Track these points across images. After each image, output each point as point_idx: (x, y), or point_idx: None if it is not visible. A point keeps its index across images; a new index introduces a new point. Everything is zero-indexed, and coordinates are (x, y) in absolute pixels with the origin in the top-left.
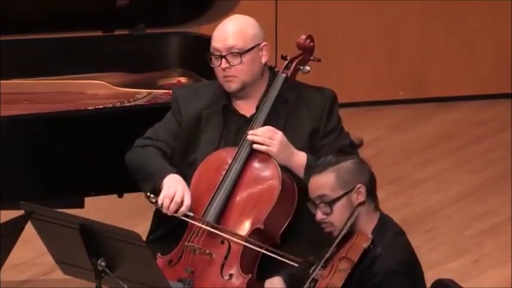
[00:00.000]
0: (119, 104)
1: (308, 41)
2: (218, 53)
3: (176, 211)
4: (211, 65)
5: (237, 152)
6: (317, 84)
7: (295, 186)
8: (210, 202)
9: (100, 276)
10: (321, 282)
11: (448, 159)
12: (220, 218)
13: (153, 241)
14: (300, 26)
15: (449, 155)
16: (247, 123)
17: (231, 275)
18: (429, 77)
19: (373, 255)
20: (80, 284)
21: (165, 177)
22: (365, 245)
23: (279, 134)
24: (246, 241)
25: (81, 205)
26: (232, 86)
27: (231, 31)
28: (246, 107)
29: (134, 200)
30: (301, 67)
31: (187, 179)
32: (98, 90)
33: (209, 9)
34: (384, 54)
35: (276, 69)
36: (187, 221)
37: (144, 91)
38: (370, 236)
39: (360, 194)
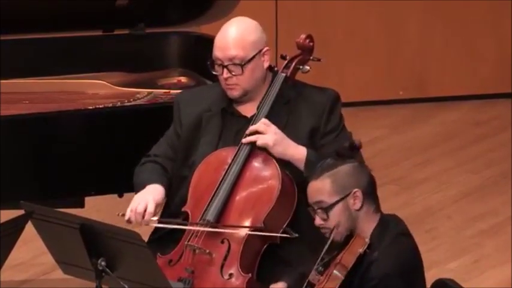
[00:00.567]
0: (119, 103)
1: (308, 40)
2: (220, 62)
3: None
4: (213, 72)
5: (237, 152)
6: (317, 83)
7: (294, 185)
8: (209, 202)
9: (100, 276)
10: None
11: (448, 159)
12: (220, 217)
13: (153, 241)
14: (300, 25)
15: (449, 155)
16: (248, 123)
17: (231, 275)
18: (429, 77)
19: (369, 259)
20: (80, 284)
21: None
22: (360, 250)
23: (272, 127)
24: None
25: (81, 205)
26: (234, 94)
27: (232, 40)
28: (247, 108)
29: None
30: (301, 66)
31: (187, 181)
32: (98, 89)
33: (209, 9)
34: (384, 53)
35: (276, 68)
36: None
37: (144, 91)
38: (366, 240)
39: (356, 199)
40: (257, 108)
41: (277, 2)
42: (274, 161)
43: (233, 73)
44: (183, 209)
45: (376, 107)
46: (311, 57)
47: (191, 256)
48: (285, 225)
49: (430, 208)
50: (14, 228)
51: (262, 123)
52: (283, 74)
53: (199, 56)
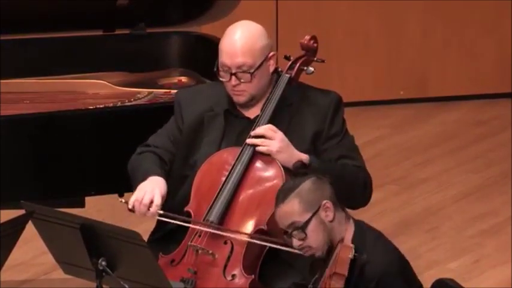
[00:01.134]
0: (119, 103)
1: (312, 41)
2: (227, 69)
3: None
4: (220, 78)
5: (240, 153)
6: (317, 83)
7: None
8: (213, 203)
9: (101, 276)
10: None
11: (448, 159)
12: (223, 218)
13: (155, 241)
14: (301, 25)
15: (450, 154)
16: (251, 124)
17: (233, 276)
18: (430, 77)
19: (360, 263)
20: (81, 284)
21: (145, 180)
22: (350, 256)
23: (279, 133)
24: (250, 237)
25: (81, 204)
26: (241, 100)
27: (241, 47)
28: (250, 110)
29: None
30: (305, 68)
31: (189, 180)
32: (98, 89)
33: (210, 9)
34: (384, 54)
35: (280, 69)
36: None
37: (145, 90)
38: (351, 245)
39: (328, 210)
40: (261, 110)
41: (278, 2)
42: (278, 162)
43: (242, 80)
44: (185, 209)
45: (377, 107)
46: (315, 59)
47: (194, 256)
48: None
49: (431, 208)
50: (15, 228)
51: (269, 129)
52: (287, 75)
53: (199, 56)
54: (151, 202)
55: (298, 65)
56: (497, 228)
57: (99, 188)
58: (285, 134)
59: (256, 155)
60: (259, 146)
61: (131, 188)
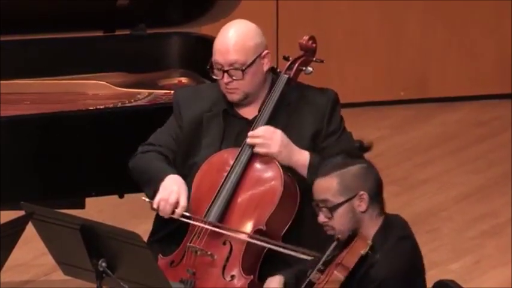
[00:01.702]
0: (119, 104)
1: (310, 42)
2: (219, 66)
3: (173, 212)
4: (213, 76)
5: (239, 153)
6: (318, 84)
7: (297, 187)
8: (212, 203)
9: (101, 277)
10: (316, 287)
11: (449, 159)
12: (222, 218)
13: (154, 242)
14: (301, 26)
15: (451, 155)
16: (249, 125)
17: (232, 276)
18: (430, 77)
19: (370, 262)
20: (81, 285)
21: (164, 179)
22: (362, 252)
23: (278, 133)
24: (250, 237)
25: (82, 206)
26: (234, 98)
27: (233, 44)
28: (248, 111)
29: (135, 200)
30: (304, 68)
31: (188, 181)
32: (98, 90)
33: (210, 10)
34: (385, 54)
35: (278, 70)
36: (187, 222)
37: (145, 91)
38: (369, 242)
39: (362, 201)
40: (259, 111)
41: (278, 2)
42: (277, 162)
43: (234, 78)
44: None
45: (377, 107)
46: (314, 59)
47: (193, 257)
48: (287, 227)
49: (431, 209)
50: (15, 229)
51: (267, 130)
52: (286, 76)
53: (200, 57)
54: (177, 203)
55: (297, 65)
56: (498, 229)
57: (99, 189)
58: (283, 133)
59: (255, 155)
60: (257, 147)
61: (132, 189)
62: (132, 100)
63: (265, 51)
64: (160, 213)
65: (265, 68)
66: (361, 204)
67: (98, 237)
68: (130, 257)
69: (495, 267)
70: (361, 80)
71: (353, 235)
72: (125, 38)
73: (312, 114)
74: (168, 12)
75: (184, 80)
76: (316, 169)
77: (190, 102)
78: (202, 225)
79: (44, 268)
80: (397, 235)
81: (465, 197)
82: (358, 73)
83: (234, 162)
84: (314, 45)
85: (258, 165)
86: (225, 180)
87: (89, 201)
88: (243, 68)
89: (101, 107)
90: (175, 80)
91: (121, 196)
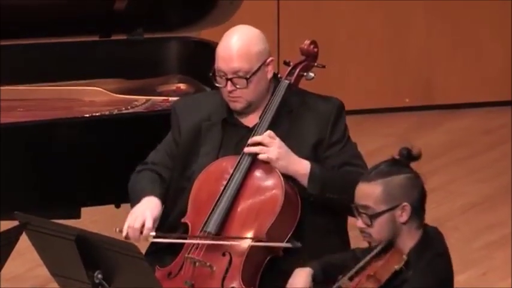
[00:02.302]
0: (116, 111)
1: (312, 46)
2: (223, 74)
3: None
4: (215, 84)
5: (239, 161)
6: (319, 89)
7: (298, 196)
8: (210, 213)
9: None
10: None
11: (455, 168)
12: (222, 228)
13: (151, 253)
14: (302, 29)
15: (457, 164)
16: (250, 133)
17: None
18: (436, 83)
19: (403, 277)
20: None
21: (140, 201)
22: (396, 267)
23: (277, 140)
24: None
25: (77, 216)
26: (238, 106)
27: (236, 51)
28: (249, 119)
29: None
30: (305, 73)
31: (186, 193)
32: (94, 97)
33: (210, 13)
34: (389, 59)
35: (279, 75)
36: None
37: (143, 98)
38: (404, 257)
39: (404, 212)
40: (259, 118)
41: (279, 3)
42: (278, 171)
43: (237, 86)
44: (182, 220)
45: (381, 114)
46: (315, 64)
47: (191, 269)
48: (288, 237)
49: (438, 219)
50: (8, 240)
51: (267, 136)
52: (287, 81)
53: (199, 62)
54: (143, 226)
55: (298, 70)
56: (506, 240)
57: (95, 199)
58: (285, 141)
59: (255, 163)
60: (257, 153)
61: (128, 199)
62: (129, 107)
63: (270, 58)
64: (132, 241)
65: (269, 75)
66: (403, 215)
67: (94, 248)
68: (127, 269)
69: (503, 279)
70: (364, 86)
71: (389, 245)
72: (122, 43)
73: (315, 122)
74: (167, 16)
75: (183, 86)
76: (317, 179)
77: (189, 112)
78: (176, 241)
79: (39, 280)
80: (432, 252)
81: (472, 206)
82: (361, 79)
83: (234, 170)
84: (316, 50)
85: (258, 174)
86: (224, 189)
87: (84, 211)
88: (248, 76)
89: (97, 114)
90: (174, 86)
91: (117, 206)
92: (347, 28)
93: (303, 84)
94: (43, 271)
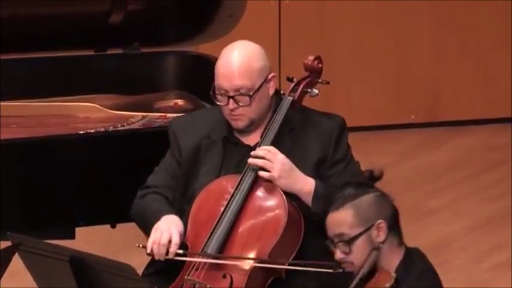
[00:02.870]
0: (111, 128)
1: (316, 62)
2: (224, 92)
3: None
4: (216, 102)
5: (240, 181)
6: (322, 105)
7: (301, 216)
8: (211, 234)
9: None
10: None
11: (461, 187)
12: (222, 251)
13: (149, 275)
14: (305, 44)
15: (463, 182)
16: (251, 152)
17: None
18: (442, 100)
19: None
20: None
21: (159, 219)
22: (387, 285)
23: (280, 156)
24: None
25: (71, 236)
26: (240, 125)
27: (237, 68)
28: (250, 137)
29: (128, 230)
30: (309, 90)
31: (186, 214)
32: (89, 113)
33: (207, 28)
34: (394, 75)
35: (282, 92)
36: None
37: (139, 114)
38: (393, 274)
39: (380, 231)
40: (261, 137)
41: (281, 16)
42: (280, 190)
43: (240, 104)
44: (182, 241)
45: (386, 131)
46: (320, 80)
47: None
48: (291, 259)
49: (443, 239)
50: (0, 261)
51: (270, 152)
52: (290, 98)
53: (197, 77)
54: (170, 242)
55: (301, 87)
56: None
57: (89, 219)
58: (287, 158)
59: (256, 182)
60: (259, 167)
61: (124, 218)
62: (125, 123)
63: (271, 74)
64: (156, 257)
65: (271, 92)
66: (380, 234)
67: (89, 269)
68: None
69: None
70: (369, 102)
71: (373, 269)
72: (118, 57)
73: (318, 140)
74: (164, 29)
75: (180, 102)
76: (322, 198)
77: (187, 131)
78: (201, 259)
79: None
80: (421, 268)
81: (479, 226)
82: (366, 95)
83: (235, 189)
84: (320, 65)
85: (260, 193)
86: (225, 209)
87: (79, 231)
88: (251, 93)
89: (92, 131)
90: (171, 102)
91: (113, 226)
92: (351, 44)
93: (306, 101)
94: None
